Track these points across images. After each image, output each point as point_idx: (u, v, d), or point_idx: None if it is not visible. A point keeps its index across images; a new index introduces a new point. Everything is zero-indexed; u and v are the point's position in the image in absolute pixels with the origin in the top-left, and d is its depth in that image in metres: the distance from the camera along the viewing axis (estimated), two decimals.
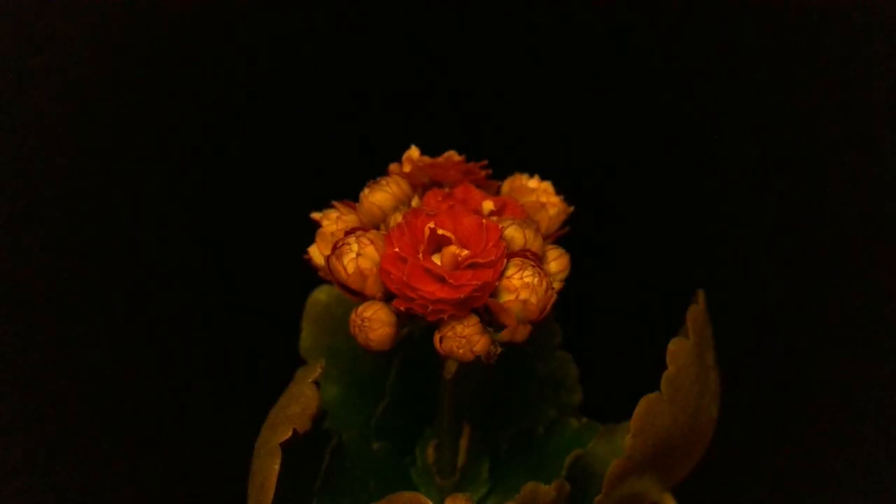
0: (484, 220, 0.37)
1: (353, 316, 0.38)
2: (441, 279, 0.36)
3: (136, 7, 0.66)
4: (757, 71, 0.68)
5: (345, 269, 0.38)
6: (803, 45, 0.67)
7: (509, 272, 0.37)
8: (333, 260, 0.38)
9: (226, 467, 0.51)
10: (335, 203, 0.41)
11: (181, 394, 0.67)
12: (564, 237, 0.42)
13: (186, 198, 0.69)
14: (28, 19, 0.65)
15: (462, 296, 0.36)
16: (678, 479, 0.46)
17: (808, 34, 0.67)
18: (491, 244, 0.37)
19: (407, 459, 0.48)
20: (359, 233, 0.38)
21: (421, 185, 0.42)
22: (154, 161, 0.68)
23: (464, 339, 0.36)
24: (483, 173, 0.42)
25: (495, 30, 0.69)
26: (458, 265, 0.37)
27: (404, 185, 0.41)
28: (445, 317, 0.36)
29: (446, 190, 0.42)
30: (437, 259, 0.37)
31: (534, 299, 0.37)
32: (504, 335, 0.37)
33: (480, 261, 0.36)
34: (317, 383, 0.41)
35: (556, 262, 0.39)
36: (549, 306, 0.37)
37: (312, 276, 0.41)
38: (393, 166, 0.43)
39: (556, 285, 0.39)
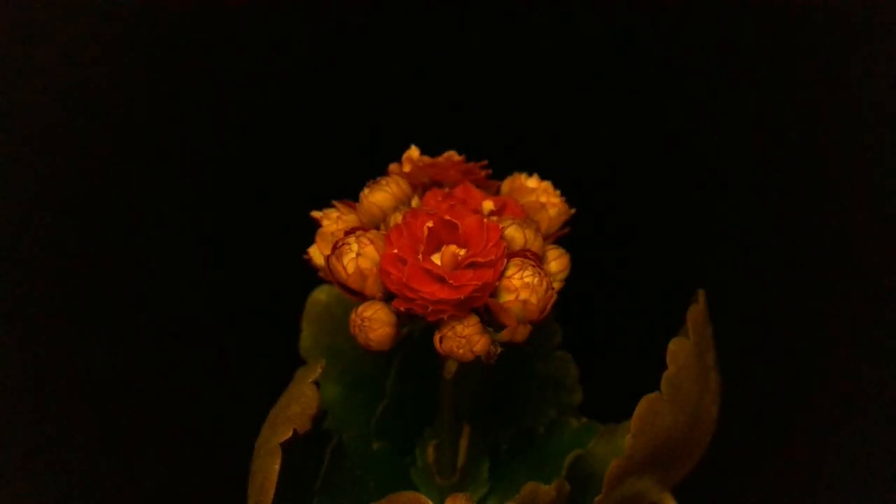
0: (484, 220, 0.37)
1: (353, 316, 0.38)
2: (441, 279, 0.36)
3: (136, 7, 0.66)
4: (757, 71, 0.68)
5: (345, 269, 0.37)
6: (803, 46, 0.67)
7: (509, 272, 0.37)
8: (333, 260, 0.38)
9: (226, 467, 0.51)
10: (335, 203, 0.41)
11: (181, 394, 0.67)
12: (565, 237, 0.42)
13: (186, 198, 0.69)
14: (28, 19, 0.65)
15: (462, 296, 0.36)
16: (678, 479, 0.46)
17: (808, 34, 0.67)
18: (491, 244, 0.37)
19: (407, 459, 0.48)
20: (359, 233, 0.38)
21: (421, 185, 0.42)
22: (154, 161, 0.68)
23: (464, 339, 0.36)
24: (483, 173, 0.42)
25: (495, 30, 0.69)
26: (458, 265, 0.37)
27: (404, 185, 0.41)
28: (445, 317, 0.36)
29: (446, 190, 0.42)
30: (436, 259, 0.37)
31: (534, 299, 0.37)
32: (504, 335, 0.37)
33: (480, 260, 0.36)
34: (317, 383, 0.41)
35: (557, 262, 0.39)
36: (549, 306, 0.37)
37: (312, 276, 0.41)
38: (393, 166, 0.43)
39: (556, 285, 0.39)
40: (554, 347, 0.49)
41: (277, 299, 0.57)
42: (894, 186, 0.67)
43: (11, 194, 0.66)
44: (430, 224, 0.37)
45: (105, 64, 0.67)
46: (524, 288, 0.37)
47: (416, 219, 0.37)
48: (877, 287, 0.67)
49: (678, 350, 0.41)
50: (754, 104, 0.69)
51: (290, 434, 0.38)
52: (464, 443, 0.45)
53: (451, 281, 0.36)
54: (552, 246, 0.40)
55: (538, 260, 0.38)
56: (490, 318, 0.37)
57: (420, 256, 0.37)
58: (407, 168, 0.42)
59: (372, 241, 0.38)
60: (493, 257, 0.36)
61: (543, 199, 0.41)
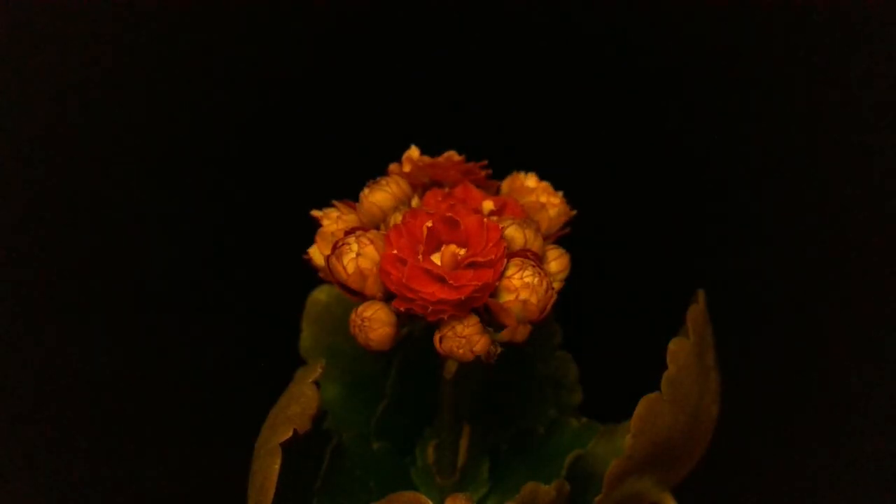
0: (484, 220, 0.37)
1: (353, 316, 0.38)
2: (441, 280, 0.36)
3: (136, 7, 0.66)
4: (757, 71, 0.68)
5: (345, 269, 0.37)
6: (803, 45, 0.67)
7: (509, 272, 0.37)
8: (333, 260, 0.38)
9: (226, 467, 0.51)
10: (335, 202, 0.41)
11: (181, 394, 0.67)
12: (565, 237, 0.42)
13: (186, 198, 0.69)
14: (28, 19, 0.65)
15: (462, 296, 0.36)
16: (678, 479, 0.46)
17: (807, 34, 0.67)
18: (491, 244, 0.37)
19: (407, 459, 0.48)
20: (359, 233, 0.38)
21: (421, 185, 0.42)
22: (154, 161, 0.68)
23: (464, 339, 0.36)
24: (483, 173, 0.42)
25: (495, 30, 0.69)
26: (458, 264, 0.37)
27: (404, 185, 0.41)
28: (445, 317, 0.36)
29: (446, 190, 0.42)
30: (436, 258, 0.37)
31: (534, 299, 0.37)
32: (504, 335, 0.37)
33: (480, 260, 0.36)
34: (317, 383, 0.41)
35: (556, 262, 0.39)
36: (549, 306, 0.37)
37: (312, 276, 0.41)
38: (393, 166, 0.43)
39: (556, 285, 0.39)
40: (554, 347, 0.49)
41: (277, 299, 0.57)
42: (894, 186, 0.67)
43: (11, 194, 0.66)
44: (429, 224, 0.37)
45: (105, 64, 0.67)
46: (524, 288, 0.37)
47: (416, 219, 0.37)
48: (877, 287, 0.67)
49: (678, 350, 0.41)
50: (754, 104, 0.68)
51: (290, 434, 0.38)
52: (464, 443, 0.45)
53: (451, 281, 0.36)
54: (552, 246, 0.40)
55: (538, 260, 0.38)
56: (490, 318, 0.37)
57: (420, 257, 0.37)
58: (407, 168, 0.42)
59: (372, 241, 0.38)
60: (493, 257, 0.36)
61: (543, 199, 0.41)
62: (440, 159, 0.42)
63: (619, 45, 0.69)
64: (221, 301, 0.69)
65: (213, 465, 0.64)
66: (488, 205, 0.40)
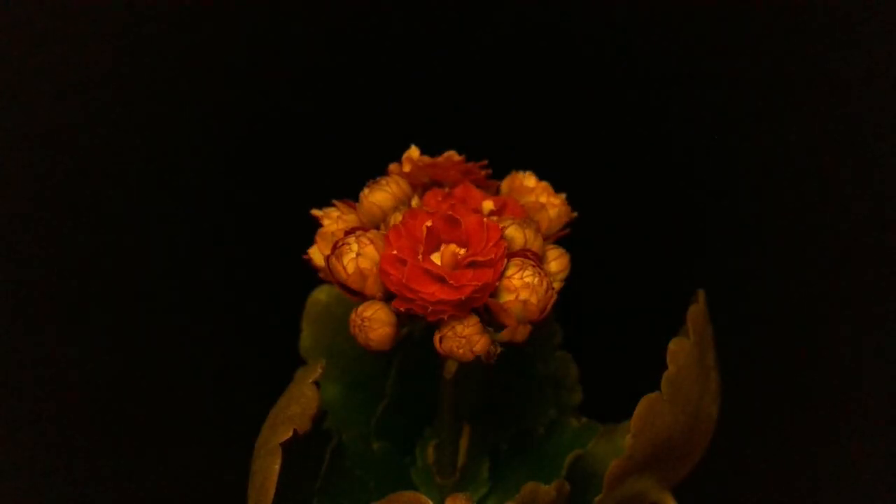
0: (484, 220, 0.37)
1: (353, 316, 0.38)
2: (441, 280, 0.36)
3: (136, 6, 0.66)
4: (757, 71, 0.68)
5: (345, 269, 0.38)
6: (803, 45, 0.67)
7: (509, 272, 0.37)
8: (333, 260, 0.38)
9: (226, 467, 0.51)
10: (335, 202, 0.41)
11: (181, 394, 0.67)
12: (564, 237, 0.42)
13: (187, 198, 0.69)
14: (28, 19, 0.65)
15: (462, 296, 0.36)
16: (678, 479, 0.46)
17: (808, 34, 0.67)
18: (491, 243, 0.37)
19: (407, 459, 0.48)
20: (359, 233, 0.38)
21: (421, 185, 0.42)
22: (154, 161, 0.68)
23: (464, 339, 0.36)
24: (483, 173, 0.42)
25: (495, 30, 0.69)
26: (458, 264, 0.37)
27: (404, 185, 0.41)
28: (445, 317, 0.36)
29: (446, 190, 0.42)
30: (436, 258, 0.37)
31: (534, 299, 0.37)
32: (504, 335, 0.37)
33: (480, 259, 0.36)
34: (317, 383, 0.41)
35: (556, 262, 0.39)
36: (549, 306, 0.37)
37: (312, 276, 0.41)
38: (393, 166, 0.43)
39: (556, 285, 0.39)
40: (554, 347, 0.49)
41: (277, 299, 0.57)
42: (894, 186, 0.67)
43: (11, 194, 0.66)
44: (428, 223, 0.37)
45: (105, 63, 0.67)
46: (524, 288, 0.37)
47: (415, 219, 0.37)
48: (877, 287, 0.67)
49: (678, 350, 0.41)
50: (754, 104, 0.68)
51: (290, 434, 0.38)
52: (464, 443, 0.46)
53: (451, 281, 0.36)
54: (552, 246, 0.40)
55: (538, 260, 0.38)
56: (490, 318, 0.37)
57: (420, 257, 0.37)
58: (407, 168, 0.42)
59: (372, 241, 0.38)
60: (493, 257, 0.36)
61: (543, 199, 0.42)
62: (440, 159, 0.42)
63: (618, 45, 0.69)
64: (221, 301, 0.69)
65: (213, 465, 0.64)
66: (488, 205, 0.40)
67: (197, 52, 0.68)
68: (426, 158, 0.42)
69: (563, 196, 0.42)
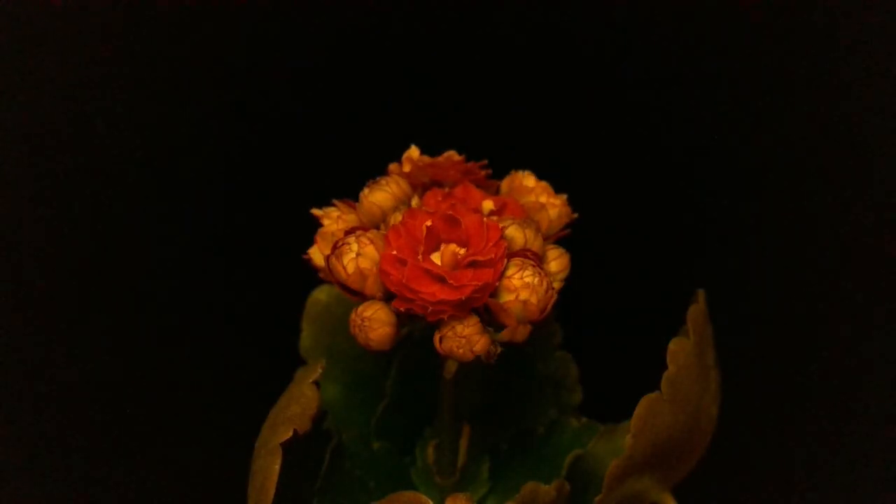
0: (484, 219, 0.37)
1: (353, 316, 0.38)
2: (441, 279, 0.36)
3: (136, 6, 0.66)
4: (757, 71, 0.68)
5: (345, 269, 0.38)
6: (803, 45, 0.67)
7: (509, 272, 0.37)
8: (333, 260, 0.38)
9: (226, 467, 0.51)
10: (335, 202, 0.41)
11: (181, 394, 0.67)
12: (564, 237, 0.42)
13: (187, 198, 0.69)
14: (28, 19, 0.65)
15: (462, 296, 0.36)
16: (678, 479, 0.46)
17: (808, 34, 0.67)
18: (491, 243, 0.37)
19: (407, 459, 0.48)
20: (359, 232, 0.38)
21: (421, 184, 0.42)
22: (154, 161, 0.68)
23: (464, 339, 0.36)
24: (483, 173, 0.42)
25: (495, 30, 0.69)
26: (458, 263, 0.37)
27: (404, 185, 0.41)
28: (445, 317, 0.36)
29: (446, 190, 0.42)
30: (436, 258, 0.37)
31: (534, 299, 0.37)
32: (504, 335, 0.37)
33: (480, 259, 0.36)
34: (317, 383, 0.41)
35: (556, 261, 0.39)
36: (549, 306, 0.37)
37: (312, 276, 0.41)
38: (393, 166, 0.43)
39: (556, 285, 0.39)
40: (554, 347, 0.49)
41: (277, 299, 0.57)
42: (894, 186, 0.67)
43: (11, 194, 0.66)
44: (428, 223, 0.37)
45: (105, 63, 0.67)
46: (524, 288, 0.37)
47: (415, 219, 0.37)
48: (877, 287, 0.67)
49: (678, 350, 0.41)
50: (754, 104, 0.68)
51: (290, 434, 0.38)
52: (464, 443, 0.46)
53: (451, 281, 0.36)
54: (552, 246, 0.40)
55: (538, 260, 0.38)
56: (490, 318, 0.37)
57: (420, 257, 0.37)
58: (407, 168, 0.42)
59: (372, 241, 0.38)
60: (493, 256, 0.36)
61: (543, 199, 0.41)
62: (440, 159, 0.42)
63: (618, 45, 0.69)
64: (221, 301, 0.69)
65: (213, 465, 0.64)
66: (488, 205, 0.40)
67: (197, 51, 0.68)
68: (426, 158, 0.42)
69: (565, 197, 0.42)
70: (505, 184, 0.43)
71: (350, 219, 0.41)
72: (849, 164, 0.68)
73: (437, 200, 0.40)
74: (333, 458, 0.45)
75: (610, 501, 0.40)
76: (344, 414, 0.48)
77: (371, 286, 0.38)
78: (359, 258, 0.37)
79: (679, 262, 0.69)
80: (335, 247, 0.38)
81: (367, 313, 0.37)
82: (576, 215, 0.42)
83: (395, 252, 0.37)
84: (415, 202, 0.41)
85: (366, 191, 0.40)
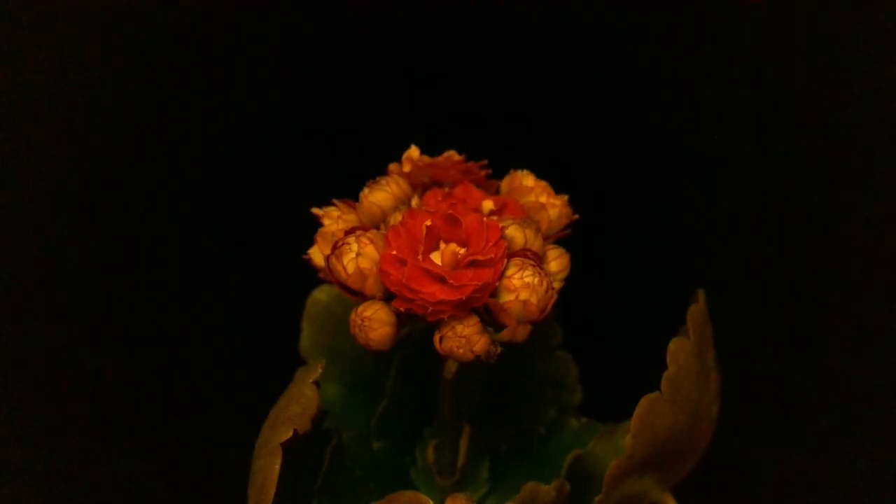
0: (484, 219, 0.37)
1: (353, 316, 0.38)
2: (441, 279, 0.36)
3: (135, 6, 0.66)
4: (757, 71, 0.68)
5: (345, 269, 0.37)
6: (803, 45, 0.67)
7: (509, 272, 0.37)
8: (333, 260, 0.38)
9: (226, 467, 0.51)
10: (335, 202, 0.41)
11: (181, 394, 0.67)
12: (564, 237, 0.42)
13: (187, 198, 0.69)
14: (28, 19, 0.65)
15: (462, 296, 0.36)
16: (678, 479, 0.46)
17: (808, 34, 0.67)
18: (491, 243, 0.37)
19: (407, 459, 0.48)
20: (359, 232, 0.38)
21: (421, 184, 0.42)
22: (155, 161, 0.68)
23: (464, 339, 0.36)
24: (483, 173, 0.42)
25: (495, 30, 0.69)
26: (458, 263, 0.37)
27: (404, 185, 0.41)
28: (445, 317, 0.36)
29: (446, 190, 0.42)
30: (436, 257, 0.37)
31: (534, 299, 0.37)
32: (504, 335, 0.37)
33: (480, 258, 0.36)
34: (317, 383, 0.41)
35: (557, 261, 0.39)
36: (549, 306, 0.37)
37: (312, 276, 0.41)
38: (393, 166, 0.43)
39: (557, 285, 0.39)
40: (554, 347, 0.49)
41: (277, 299, 0.57)
42: (894, 186, 0.67)
43: (11, 194, 0.66)
44: (428, 223, 0.37)
45: (104, 63, 0.67)
46: (524, 288, 0.37)
47: (415, 219, 0.37)
48: (877, 287, 0.67)
49: (678, 350, 0.41)
50: (754, 104, 0.68)
51: (290, 434, 0.38)
52: (464, 443, 0.45)
53: (451, 281, 0.36)
54: (552, 246, 0.40)
55: (538, 260, 0.38)
56: (490, 318, 0.37)
57: (420, 256, 0.37)
58: (407, 168, 0.42)
59: (372, 241, 0.38)
60: (493, 256, 0.36)
61: (543, 199, 0.41)
62: (440, 159, 0.42)
63: (618, 44, 0.69)
64: (222, 301, 0.69)
65: (213, 465, 0.64)
66: (488, 204, 0.40)
67: (197, 51, 0.68)
68: (426, 158, 0.42)
69: (566, 197, 0.42)
70: (505, 184, 0.43)
71: (350, 219, 0.41)
72: (849, 165, 0.68)
73: (437, 200, 0.40)
74: (333, 458, 0.45)
75: (610, 501, 0.40)
76: (344, 414, 0.48)
77: (371, 286, 0.38)
78: (359, 258, 0.37)
79: (679, 262, 0.69)
80: (335, 247, 0.38)
81: (367, 313, 0.37)
82: (576, 216, 0.42)
83: (395, 252, 0.37)
84: (415, 202, 0.41)
85: (366, 191, 0.40)
